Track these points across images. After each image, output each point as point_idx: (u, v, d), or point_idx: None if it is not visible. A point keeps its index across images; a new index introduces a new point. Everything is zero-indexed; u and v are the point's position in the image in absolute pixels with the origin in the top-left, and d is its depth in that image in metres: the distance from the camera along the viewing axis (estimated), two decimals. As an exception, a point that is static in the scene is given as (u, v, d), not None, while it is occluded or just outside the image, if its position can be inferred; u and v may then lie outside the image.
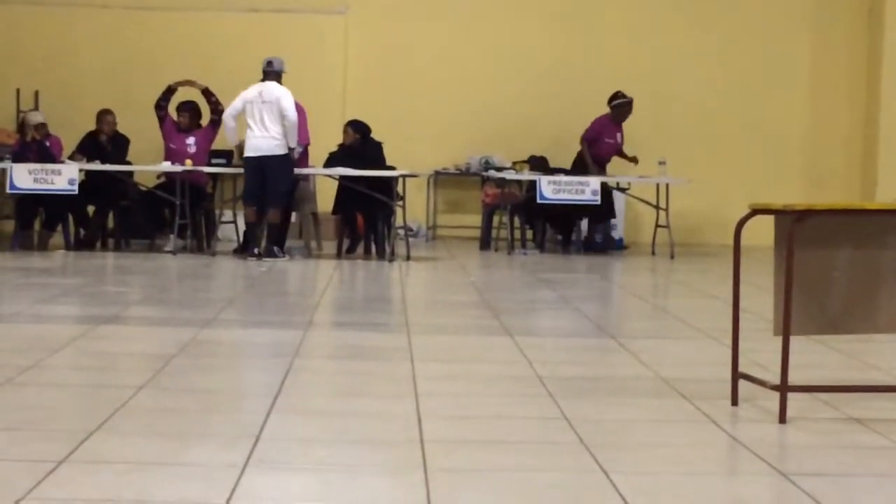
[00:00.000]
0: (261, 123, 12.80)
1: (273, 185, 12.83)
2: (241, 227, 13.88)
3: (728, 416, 5.26)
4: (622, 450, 4.67)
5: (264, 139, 12.77)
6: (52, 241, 13.84)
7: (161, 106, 14.00)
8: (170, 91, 14.04)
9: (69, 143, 14.29)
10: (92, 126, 14.33)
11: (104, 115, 14.29)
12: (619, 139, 15.23)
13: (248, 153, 12.86)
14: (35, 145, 13.76)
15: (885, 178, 16.42)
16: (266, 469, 4.21)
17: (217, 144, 14.40)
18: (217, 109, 13.85)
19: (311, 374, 6.30)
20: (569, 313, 9.25)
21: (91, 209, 14.09)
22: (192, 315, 8.50)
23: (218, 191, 14.65)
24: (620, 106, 15.18)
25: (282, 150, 12.82)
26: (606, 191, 14.65)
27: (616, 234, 16.29)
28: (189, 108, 14.13)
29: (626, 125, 15.37)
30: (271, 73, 13.03)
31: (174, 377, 5.98)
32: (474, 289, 10.81)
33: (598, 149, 15.06)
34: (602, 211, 14.74)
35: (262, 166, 12.80)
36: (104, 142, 14.18)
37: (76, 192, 13.21)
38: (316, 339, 7.51)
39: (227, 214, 14.52)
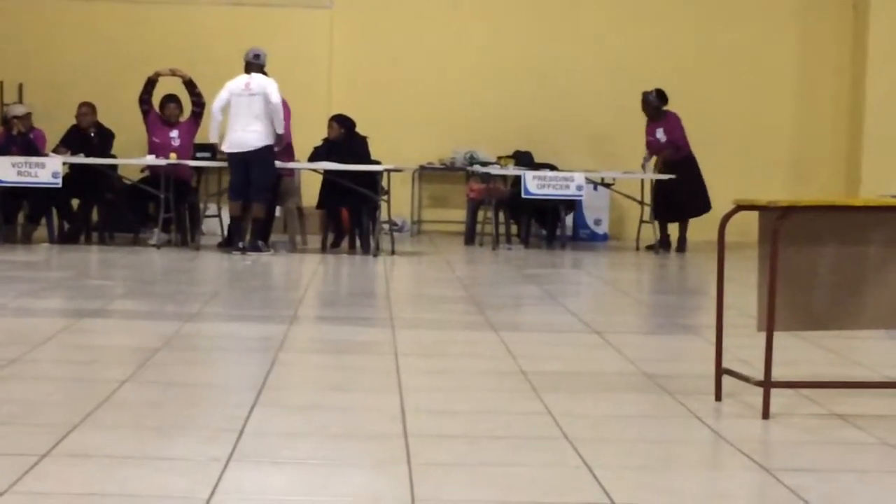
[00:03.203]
0: (245, 117, 12.75)
1: (257, 179, 12.80)
2: (226, 220, 13.86)
3: (711, 412, 5.26)
4: (606, 445, 4.67)
5: (248, 133, 12.73)
6: (35, 234, 13.80)
7: (144, 100, 13.96)
8: (151, 83, 13.98)
9: (53, 136, 14.25)
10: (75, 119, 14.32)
11: (79, 107, 14.26)
12: (657, 136, 14.94)
13: (231, 148, 12.81)
14: (19, 138, 13.71)
15: (868, 174, 16.46)
16: (249, 463, 4.21)
17: (201, 138, 14.37)
18: (199, 102, 13.84)
19: (295, 368, 6.30)
20: (553, 308, 9.25)
21: (75, 202, 14.06)
22: (177, 309, 8.49)
23: (202, 184, 14.61)
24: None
25: (265, 142, 12.77)
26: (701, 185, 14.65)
27: (601, 230, 16.33)
28: (174, 100, 14.11)
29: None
30: (256, 65, 12.99)
31: (158, 371, 5.97)
32: (459, 284, 10.81)
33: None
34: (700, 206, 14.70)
35: (246, 161, 12.77)
36: (92, 134, 14.15)
37: (60, 186, 13.18)
38: (300, 334, 7.50)
39: (212, 208, 14.49)
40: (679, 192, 14.56)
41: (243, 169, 12.79)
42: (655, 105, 15.03)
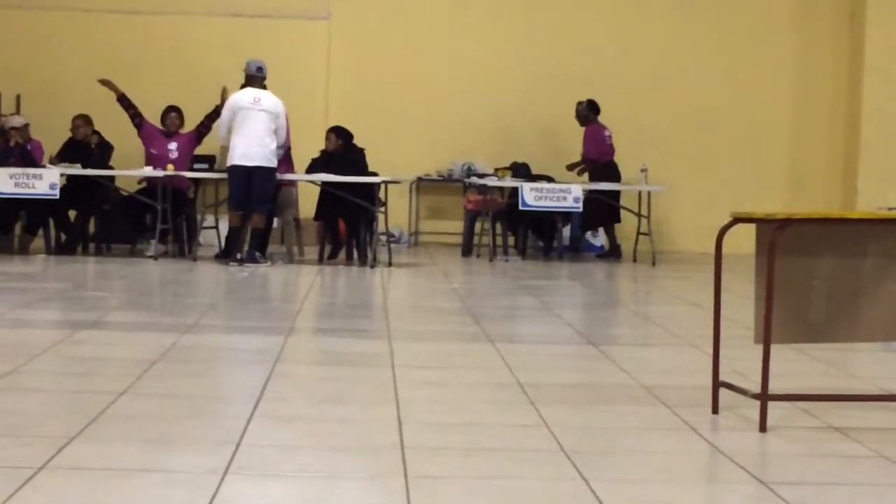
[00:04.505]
0: (253, 131, 12.70)
1: (259, 191, 12.80)
2: (223, 232, 13.86)
3: (708, 425, 5.26)
4: (603, 457, 4.67)
5: (258, 148, 12.69)
6: (32, 245, 13.80)
7: (132, 114, 13.91)
8: (124, 100, 13.89)
9: (50, 147, 14.25)
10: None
11: (73, 120, 14.25)
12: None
13: (238, 161, 12.75)
14: (17, 150, 13.72)
15: (865, 186, 16.49)
16: (247, 475, 4.21)
17: (198, 149, 14.35)
18: (209, 126, 13.83)
19: (292, 380, 6.29)
20: (550, 320, 9.25)
21: (72, 214, 14.06)
22: (174, 320, 8.48)
23: (199, 195, 14.62)
24: None
25: (272, 163, 12.80)
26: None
27: (598, 242, 16.34)
28: (176, 110, 14.12)
29: (615, 133, 15.54)
30: (260, 78, 12.98)
31: (155, 383, 5.97)
32: (456, 295, 10.81)
33: None
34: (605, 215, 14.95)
35: (249, 173, 12.74)
36: (93, 145, 14.16)
37: (57, 197, 13.18)
38: (297, 345, 7.50)
39: (209, 219, 14.50)
40: (597, 201, 14.70)
41: (246, 180, 12.77)
42: (584, 115, 15.33)
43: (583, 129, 15.47)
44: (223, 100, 13.55)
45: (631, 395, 5.96)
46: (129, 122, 13.94)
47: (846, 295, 5.37)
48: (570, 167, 15.55)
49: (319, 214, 13.82)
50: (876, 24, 16.64)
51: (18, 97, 16.31)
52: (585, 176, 15.49)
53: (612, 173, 15.16)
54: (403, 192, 16.65)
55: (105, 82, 13.88)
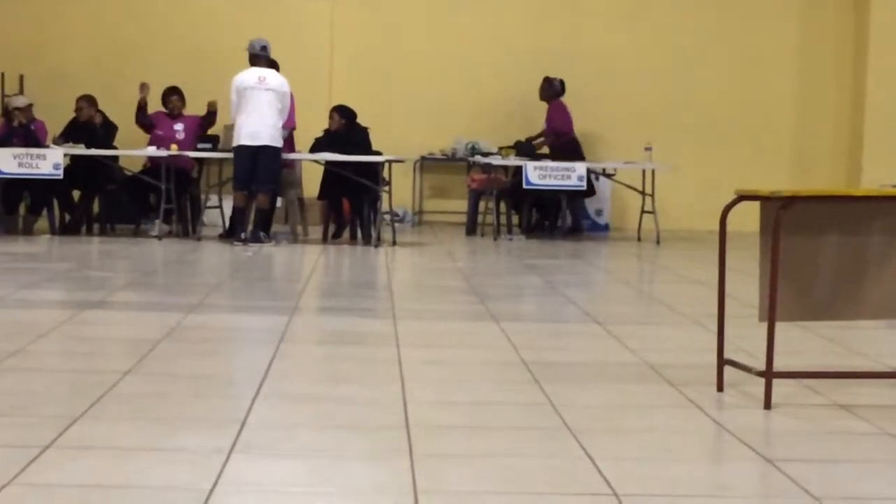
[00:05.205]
0: (260, 111, 12.68)
1: (265, 171, 12.78)
2: (227, 211, 13.86)
3: (713, 402, 5.27)
4: (607, 435, 4.67)
5: (264, 128, 12.67)
6: (37, 225, 13.80)
7: (141, 119, 13.97)
8: (142, 108, 13.95)
9: (54, 127, 14.24)
10: (77, 111, 14.33)
11: (76, 101, 14.23)
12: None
13: (244, 140, 12.72)
14: (21, 130, 13.71)
15: (870, 164, 16.46)
16: (252, 454, 4.21)
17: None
18: (213, 121, 13.93)
19: (296, 359, 6.30)
20: (555, 299, 9.25)
21: (76, 194, 14.06)
22: (178, 300, 8.49)
23: (203, 175, 14.61)
24: None
25: (279, 143, 12.79)
26: None
27: (602, 220, 16.32)
28: (177, 92, 14.13)
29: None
30: (265, 58, 12.96)
31: (160, 362, 5.97)
32: (460, 274, 10.81)
33: None
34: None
35: (255, 153, 12.73)
36: (97, 125, 14.16)
37: (61, 177, 13.18)
38: (302, 325, 7.50)
39: (213, 199, 14.49)
40: None
41: (252, 160, 12.75)
42: (557, 90, 15.39)
43: (545, 104, 15.52)
44: (208, 111, 13.84)
45: (636, 373, 5.97)
46: (134, 105, 13.96)
47: (851, 273, 5.36)
48: (534, 143, 15.50)
49: (323, 194, 13.82)
50: (881, 5, 16.58)
51: (22, 77, 16.29)
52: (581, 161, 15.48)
53: (578, 150, 15.20)
54: (407, 171, 16.63)
55: (144, 86, 13.90)
